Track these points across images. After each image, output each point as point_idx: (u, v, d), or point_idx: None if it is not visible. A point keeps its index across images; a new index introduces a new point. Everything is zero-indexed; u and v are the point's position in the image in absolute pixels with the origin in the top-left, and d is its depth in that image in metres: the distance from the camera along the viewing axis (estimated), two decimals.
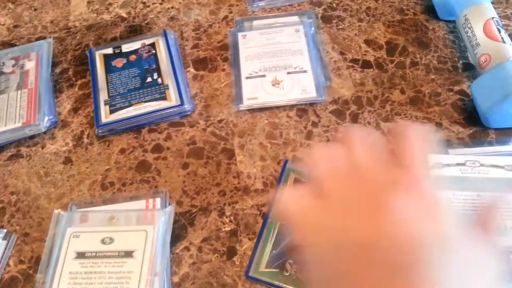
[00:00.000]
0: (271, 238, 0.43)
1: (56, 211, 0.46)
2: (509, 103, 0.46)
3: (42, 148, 0.53)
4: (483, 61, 0.51)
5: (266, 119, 0.53)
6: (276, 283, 0.41)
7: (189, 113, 0.54)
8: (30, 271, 0.44)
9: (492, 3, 0.56)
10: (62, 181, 0.50)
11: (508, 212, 0.42)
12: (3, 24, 0.68)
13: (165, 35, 0.60)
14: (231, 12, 0.65)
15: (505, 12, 0.61)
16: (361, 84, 0.55)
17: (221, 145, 0.51)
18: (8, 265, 0.45)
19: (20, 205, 0.49)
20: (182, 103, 0.53)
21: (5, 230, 0.46)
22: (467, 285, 0.21)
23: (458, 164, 0.46)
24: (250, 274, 0.42)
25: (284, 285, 0.41)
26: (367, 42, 0.60)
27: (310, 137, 0.51)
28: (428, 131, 0.27)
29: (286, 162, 0.48)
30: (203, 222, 0.46)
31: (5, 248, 0.45)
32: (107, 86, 0.56)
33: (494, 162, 0.46)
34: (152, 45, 0.59)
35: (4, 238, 0.46)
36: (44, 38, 0.64)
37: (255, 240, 0.44)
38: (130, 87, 0.55)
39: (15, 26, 0.67)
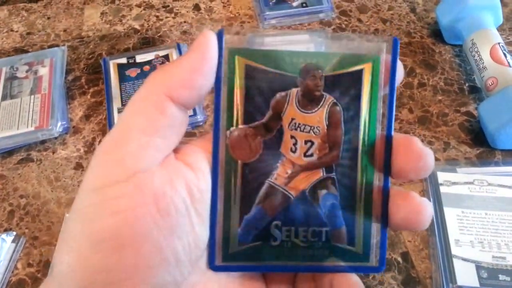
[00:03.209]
0: (234, 194, 0.25)
1: (67, 215, 0.46)
2: None
3: (53, 153, 0.53)
4: (490, 84, 0.52)
5: None
6: (261, 263, 0.26)
7: (201, 123, 0.54)
8: (39, 275, 0.44)
9: (497, 29, 0.58)
10: (72, 187, 0.50)
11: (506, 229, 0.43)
12: (17, 31, 0.68)
13: (178, 47, 0.61)
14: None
15: (509, 39, 0.63)
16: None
17: None
18: (16, 268, 0.44)
19: (30, 208, 0.49)
20: (194, 114, 0.54)
21: (14, 233, 0.46)
22: None
23: (467, 183, 0.47)
24: (217, 263, 0.25)
25: (276, 262, 0.26)
26: None
27: None
28: None
29: (220, 35, 0.24)
30: None
31: (14, 251, 0.45)
32: (121, 94, 0.56)
33: (501, 182, 0.47)
34: (166, 56, 0.60)
35: (13, 241, 0.45)
36: (57, 46, 0.65)
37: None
38: None
39: (28, 33, 0.68)
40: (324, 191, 0.25)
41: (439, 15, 0.62)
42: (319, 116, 0.25)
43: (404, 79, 0.59)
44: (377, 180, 0.25)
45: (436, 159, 0.51)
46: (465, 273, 0.40)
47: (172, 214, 0.21)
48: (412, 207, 0.23)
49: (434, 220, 0.44)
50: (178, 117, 0.22)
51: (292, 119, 0.25)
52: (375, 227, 0.25)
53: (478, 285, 0.39)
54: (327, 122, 0.25)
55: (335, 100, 0.24)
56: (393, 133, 0.24)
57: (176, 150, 0.23)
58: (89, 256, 0.20)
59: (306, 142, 0.25)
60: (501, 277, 0.40)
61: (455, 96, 0.57)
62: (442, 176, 0.47)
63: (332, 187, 0.25)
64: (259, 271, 0.26)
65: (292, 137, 0.25)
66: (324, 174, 0.25)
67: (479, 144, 0.52)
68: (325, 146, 0.25)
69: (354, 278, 0.25)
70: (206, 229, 0.24)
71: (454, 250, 0.41)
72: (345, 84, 0.24)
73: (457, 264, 0.41)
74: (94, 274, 0.20)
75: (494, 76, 0.52)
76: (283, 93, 0.24)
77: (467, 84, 0.58)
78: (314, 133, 0.25)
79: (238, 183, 0.25)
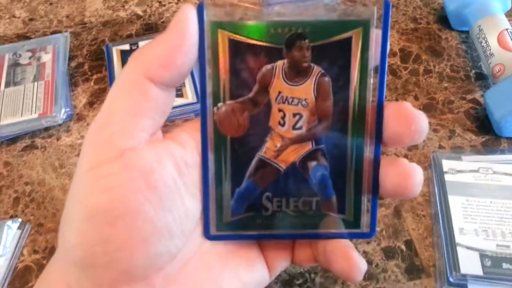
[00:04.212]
0: (225, 169, 0.25)
1: None
2: None
3: (57, 140, 0.53)
4: (497, 70, 0.52)
5: None
6: (255, 232, 0.26)
7: None
8: (44, 261, 0.44)
9: (504, 15, 0.58)
10: None
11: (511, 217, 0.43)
12: (19, 17, 0.68)
13: None
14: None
15: None
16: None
17: None
18: (22, 254, 0.45)
19: (35, 195, 0.49)
20: (198, 101, 0.53)
21: (19, 220, 0.46)
22: None
23: (472, 171, 0.47)
24: (212, 232, 0.26)
25: (269, 231, 0.26)
26: None
27: None
28: None
29: (201, 8, 0.23)
30: None
31: (20, 238, 0.45)
32: None
33: (506, 170, 0.46)
34: None
35: (18, 228, 0.46)
36: (59, 32, 0.65)
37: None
38: None
39: (31, 19, 0.67)
40: (314, 163, 0.25)
41: (446, 1, 0.61)
42: (307, 88, 0.25)
43: (410, 66, 0.58)
44: (368, 148, 0.25)
45: (441, 147, 0.50)
46: (469, 262, 0.40)
47: (161, 188, 0.22)
48: (401, 172, 0.24)
49: (439, 208, 0.44)
50: (161, 98, 0.23)
51: (280, 92, 0.25)
52: (366, 195, 0.25)
53: (481, 273, 0.39)
54: (315, 94, 0.25)
55: (323, 71, 0.24)
56: (384, 100, 0.24)
57: (164, 132, 0.24)
58: (87, 231, 0.22)
59: (294, 115, 0.25)
60: (505, 265, 0.40)
61: (461, 83, 0.56)
62: (447, 164, 0.47)
63: (322, 158, 0.25)
64: (252, 239, 0.27)
65: (280, 110, 0.25)
66: (314, 146, 0.25)
67: (485, 132, 0.51)
68: (314, 118, 0.25)
69: (346, 241, 0.26)
70: (197, 203, 0.25)
71: (458, 238, 0.41)
72: (334, 53, 0.24)
73: (461, 252, 0.41)
74: (92, 246, 0.22)
75: (502, 63, 0.52)
76: (269, 66, 0.24)
77: (473, 71, 0.57)
78: (302, 105, 0.25)
79: (228, 157, 0.25)
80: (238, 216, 0.26)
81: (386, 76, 0.25)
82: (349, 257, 0.25)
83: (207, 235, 0.26)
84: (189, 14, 0.22)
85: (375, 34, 0.24)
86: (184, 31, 0.22)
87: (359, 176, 0.25)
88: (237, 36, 0.24)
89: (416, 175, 0.24)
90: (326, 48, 0.24)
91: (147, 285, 0.23)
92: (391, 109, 0.24)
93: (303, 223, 0.26)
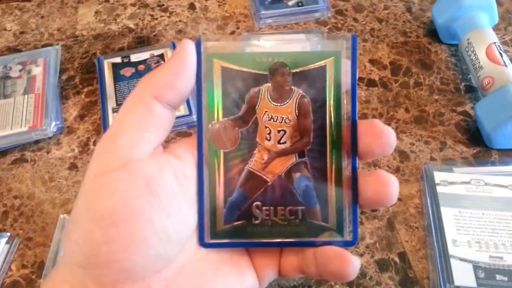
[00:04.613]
0: (218, 180, 0.28)
1: (61, 216, 0.46)
2: None
3: (47, 153, 0.53)
4: (486, 83, 0.52)
5: None
6: (245, 240, 0.28)
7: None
8: (33, 276, 0.43)
9: (492, 29, 0.59)
10: (67, 187, 0.50)
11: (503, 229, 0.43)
12: (9, 30, 0.68)
13: (173, 47, 0.61)
14: (238, 28, 0.66)
15: (504, 38, 0.64)
16: (366, 101, 0.56)
17: None
18: (10, 269, 0.44)
19: (24, 209, 0.48)
20: (190, 113, 0.53)
21: (8, 234, 0.45)
22: None
23: (464, 183, 0.47)
24: (206, 240, 0.28)
25: (259, 239, 0.28)
26: (372, 61, 0.61)
27: None
28: None
29: (199, 42, 0.28)
30: None
31: (8, 252, 0.44)
32: (115, 94, 0.56)
33: (498, 182, 0.47)
34: (161, 56, 0.60)
35: (7, 242, 0.45)
36: (50, 45, 0.64)
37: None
38: None
39: (22, 33, 0.67)
40: (298, 174, 0.28)
41: (435, 15, 0.62)
42: (289, 108, 0.28)
43: (400, 79, 0.59)
44: (346, 160, 0.27)
45: (433, 159, 0.51)
46: (462, 273, 0.40)
47: (161, 194, 0.25)
48: (380, 180, 0.26)
49: (431, 220, 0.44)
50: (164, 115, 0.26)
51: (266, 111, 0.28)
52: (347, 205, 0.28)
53: (475, 285, 0.39)
54: (296, 113, 0.28)
55: (303, 93, 0.28)
56: (357, 118, 0.27)
57: (164, 146, 0.27)
58: (93, 232, 0.24)
59: (279, 131, 0.28)
60: (498, 277, 0.40)
61: (451, 96, 0.57)
62: (438, 176, 0.47)
63: (305, 170, 0.28)
64: (244, 247, 0.29)
65: (266, 127, 0.28)
66: (297, 159, 0.28)
67: (476, 143, 0.52)
68: (296, 134, 0.28)
69: (335, 247, 0.27)
70: (193, 212, 0.27)
71: (451, 250, 0.41)
72: (311, 78, 0.28)
73: (455, 264, 0.40)
74: (97, 246, 0.23)
75: (490, 76, 0.52)
76: (256, 89, 0.28)
77: (463, 84, 0.58)
78: (285, 123, 0.28)
79: (221, 169, 0.28)
80: (231, 224, 0.28)
81: (357, 96, 0.28)
82: (343, 254, 0.27)
83: (202, 242, 0.28)
84: (189, 46, 0.26)
85: (345, 62, 0.27)
86: (185, 59, 0.26)
87: (339, 187, 0.28)
88: (229, 64, 0.28)
89: (394, 183, 0.26)
90: (304, 74, 0.28)
91: (144, 287, 0.25)
92: (363, 126, 0.27)
93: (290, 232, 0.28)
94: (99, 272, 0.24)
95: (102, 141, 0.25)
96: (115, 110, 0.54)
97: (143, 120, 0.25)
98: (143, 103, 0.25)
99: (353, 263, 0.26)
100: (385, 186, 0.26)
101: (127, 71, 0.58)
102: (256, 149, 0.28)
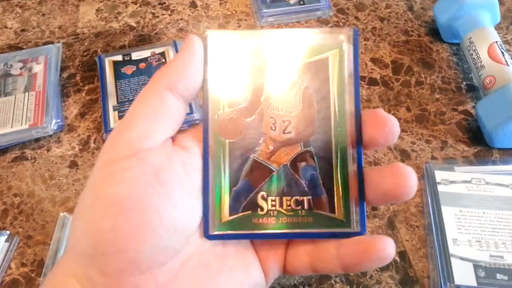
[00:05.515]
0: (223, 170, 0.28)
1: (61, 214, 0.46)
2: None
3: (48, 151, 0.53)
4: (488, 82, 0.52)
5: None
6: (251, 231, 0.28)
7: (197, 122, 0.54)
8: (33, 274, 0.43)
9: (494, 28, 0.58)
10: (67, 185, 0.50)
11: (504, 228, 0.43)
12: (10, 28, 0.68)
13: (175, 44, 0.61)
14: (239, 26, 0.66)
15: (506, 37, 0.63)
16: (367, 100, 0.56)
17: None
18: (9, 267, 0.44)
19: (24, 207, 0.48)
20: (191, 112, 0.53)
21: (8, 232, 0.45)
22: None
23: (464, 182, 0.47)
24: (211, 232, 0.27)
25: (265, 230, 0.28)
26: (373, 60, 0.61)
27: None
28: None
29: (206, 36, 0.29)
30: None
31: (7, 250, 0.44)
32: (116, 92, 0.56)
33: (499, 181, 0.46)
34: (162, 54, 0.60)
35: (6, 240, 0.45)
36: (51, 43, 0.64)
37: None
38: None
39: (23, 30, 0.67)
40: (303, 163, 0.28)
41: (437, 14, 0.62)
42: (294, 98, 0.28)
43: (402, 78, 0.58)
44: (351, 150, 0.27)
45: (434, 158, 0.50)
46: (462, 272, 0.40)
47: (169, 185, 0.25)
48: (399, 172, 0.26)
49: (432, 219, 0.44)
50: (176, 107, 0.26)
51: (270, 101, 0.28)
52: (354, 195, 0.27)
53: (475, 284, 0.39)
54: (301, 103, 0.28)
55: (307, 84, 0.28)
56: (360, 108, 0.27)
57: (172, 139, 0.27)
58: (100, 219, 0.23)
59: (284, 121, 0.28)
60: (499, 276, 0.40)
61: (452, 95, 0.57)
62: (439, 175, 0.47)
63: (311, 159, 0.28)
64: (249, 238, 0.29)
65: (271, 117, 0.28)
66: (302, 148, 0.28)
67: (477, 142, 0.52)
68: (301, 123, 0.28)
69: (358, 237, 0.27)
70: (199, 204, 0.27)
71: (452, 249, 0.41)
72: (315, 70, 0.28)
73: (455, 263, 0.40)
74: (104, 234, 0.23)
75: (492, 75, 0.52)
76: (261, 80, 0.28)
77: (464, 83, 0.58)
78: (290, 113, 0.28)
79: (227, 159, 0.28)
80: (236, 215, 0.28)
81: (359, 87, 0.29)
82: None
83: (207, 235, 0.27)
84: (197, 40, 0.27)
85: (348, 55, 0.28)
86: (194, 52, 0.27)
87: (345, 176, 0.27)
88: (234, 57, 0.28)
89: (412, 175, 0.26)
90: (308, 66, 0.28)
91: (150, 278, 0.24)
92: (367, 115, 0.27)
93: (296, 222, 0.28)
94: (105, 261, 0.23)
95: (114, 131, 0.26)
96: (116, 108, 0.54)
97: (155, 110, 0.26)
98: (156, 94, 0.26)
99: (411, 178, 0.26)
100: (404, 179, 0.25)
101: (128, 69, 0.58)
102: (262, 139, 0.28)
